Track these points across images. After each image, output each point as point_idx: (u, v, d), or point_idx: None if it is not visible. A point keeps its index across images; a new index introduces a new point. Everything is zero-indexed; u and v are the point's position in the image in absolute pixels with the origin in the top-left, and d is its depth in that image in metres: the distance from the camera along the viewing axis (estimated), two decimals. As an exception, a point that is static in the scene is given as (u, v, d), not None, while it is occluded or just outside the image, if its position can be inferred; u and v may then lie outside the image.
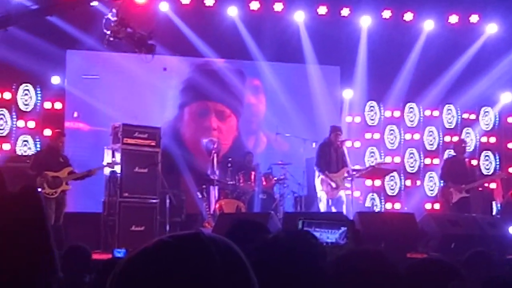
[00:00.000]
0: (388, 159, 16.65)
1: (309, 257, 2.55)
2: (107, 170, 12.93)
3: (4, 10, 10.72)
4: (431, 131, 17.53)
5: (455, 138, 16.50)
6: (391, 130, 17.33)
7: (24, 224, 1.72)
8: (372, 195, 16.35)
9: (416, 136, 17.38)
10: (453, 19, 16.82)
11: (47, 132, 14.38)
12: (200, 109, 16.40)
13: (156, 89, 15.77)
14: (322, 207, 13.53)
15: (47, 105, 15.04)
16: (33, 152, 14.06)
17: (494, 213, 15.75)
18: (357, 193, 15.11)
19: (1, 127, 14.75)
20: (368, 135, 17.12)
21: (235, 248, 1.51)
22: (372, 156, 16.98)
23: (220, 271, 1.43)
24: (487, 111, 17.73)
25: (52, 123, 14.61)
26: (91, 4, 12.66)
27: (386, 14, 16.57)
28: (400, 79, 16.69)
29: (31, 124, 14.84)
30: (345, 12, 16.42)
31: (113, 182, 12.84)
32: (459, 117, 17.62)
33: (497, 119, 17.76)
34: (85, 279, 6.07)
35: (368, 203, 16.31)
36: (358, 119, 17.11)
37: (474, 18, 16.91)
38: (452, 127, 17.61)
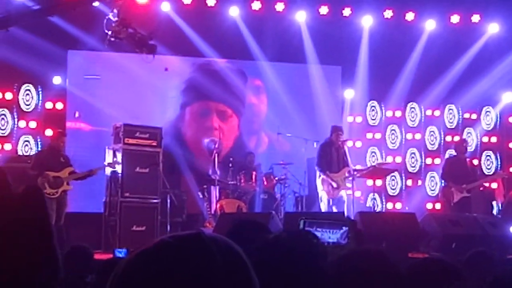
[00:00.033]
0: (389, 159, 16.64)
1: (310, 257, 2.55)
2: (108, 170, 12.94)
3: (5, 11, 10.72)
4: (432, 131, 17.53)
5: (456, 138, 16.49)
6: (392, 130, 17.33)
7: (27, 224, 1.73)
8: (373, 195, 16.33)
9: (417, 136, 17.37)
10: (455, 19, 16.82)
11: (49, 132, 14.39)
12: (201, 109, 16.40)
13: (158, 89, 15.77)
14: (323, 207, 13.52)
15: (49, 105, 15.05)
16: (34, 152, 14.07)
17: (494, 212, 15.76)
18: (358, 193, 15.10)
19: (3, 127, 14.76)
20: (369, 135, 17.12)
21: (236, 248, 1.51)
22: (373, 156, 16.97)
23: (221, 271, 1.43)
24: (488, 111, 17.72)
25: (53, 123, 14.62)
26: (93, 4, 12.68)
27: (388, 14, 16.56)
28: (402, 79, 16.69)
29: (33, 124, 14.85)
30: (346, 12, 16.41)
31: (114, 182, 12.84)
32: (460, 117, 17.61)
33: (499, 119, 17.75)
34: (87, 279, 6.07)
35: (369, 203, 16.30)
36: (359, 119, 17.11)
37: (475, 18, 16.90)
38: (453, 127, 17.60)
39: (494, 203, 16.09)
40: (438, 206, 16.19)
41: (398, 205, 16.90)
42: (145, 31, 11.12)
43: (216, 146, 15.08)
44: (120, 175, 12.70)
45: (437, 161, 17.16)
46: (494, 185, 16.48)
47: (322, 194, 13.58)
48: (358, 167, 14.32)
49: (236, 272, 1.47)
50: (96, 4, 12.82)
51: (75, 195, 12.97)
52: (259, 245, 2.59)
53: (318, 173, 13.71)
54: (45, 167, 11.94)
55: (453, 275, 3.42)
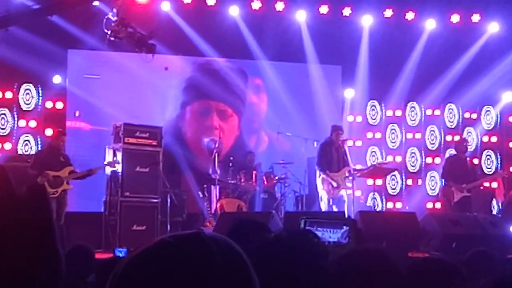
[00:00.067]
0: (389, 158, 16.63)
1: (310, 256, 2.55)
2: (108, 170, 12.94)
3: (4, 10, 10.72)
4: (433, 130, 17.53)
5: (457, 137, 16.48)
6: (393, 129, 17.33)
7: (30, 224, 1.72)
8: (374, 195, 16.35)
9: (418, 136, 17.38)
10: (455, 18, 16.81)
11: (49, 131, 14.39)
12: (201, 108, 16.40)
13: (158, 89, 15.77)
14: (323, 207, 13.52)
15: (49, 104, 15.05)
16: (34, 152, 14.07)
17: (493, 212, 15.77)
18: (358, 193, 15.09)
19: (3, 127, 14.77)
20: (369, 135, 17.12)
21: (236, 247, 1.50)
22: (373, 156, 16.98)
23: (221, 271, 1.42)
24: (488, 110, 17.72)
25: (53, 122, 14.63)
26: (93, 3, 12.68)
27: (388, 13, 16.56)
28: (402, 78, 16.69)
29: (33, 124, 14.85)
30: (346, 11, 16.41)
31: (114, 182, 12.84)
32: (461, 116, 17.62)
33: (499, 118, 17.76)
34: (88, 278, 6.07)
35: (369, 203, 16.31)
36: (359, 119, 17.11)
37: (475, 18, 16.90)
38: (453, 126, 17.60)
39: (491, 202, 16.13)
40: (438, 205, 16.19)
41: (398, 205, 16.90)
42: (145, 30, 11.11)
43: (216, 145, 15.07)
44: (120, 174, 12.70)
45: (437, 160, 17.17)
46: (494, 185, 16.49)
47: (322, 193, 13.58)
48: (358, 166, 14.32)
49: (236, 272, 1.46)
50: (96, 3, 12.83)
51: (76, 194, 12.98)
52: (259, 245, 2.58)
53: (318, 172, 13.70)
54: (45, 166, 11.94)
55: (453, 275, 3.42)
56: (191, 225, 13.67)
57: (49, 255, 1.72)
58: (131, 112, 14.39)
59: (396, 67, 16.54)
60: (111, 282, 1.47)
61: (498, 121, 17.76)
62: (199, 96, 16.23)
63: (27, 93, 14.92)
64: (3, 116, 14.78)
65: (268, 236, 2.69)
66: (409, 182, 17.24)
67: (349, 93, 17.02)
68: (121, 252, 10.14)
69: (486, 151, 17.69)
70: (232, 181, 14.47)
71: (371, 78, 16.62)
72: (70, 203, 12.51)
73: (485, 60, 16.74)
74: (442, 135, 17.52)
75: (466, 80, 16.68)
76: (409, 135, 17.33)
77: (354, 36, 16.58)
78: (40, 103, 14.99)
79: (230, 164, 14.76)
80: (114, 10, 10.74)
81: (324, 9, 16.24)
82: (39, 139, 14.75)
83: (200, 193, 14.76)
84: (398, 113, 17.27)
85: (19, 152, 14.51)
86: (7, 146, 14.63)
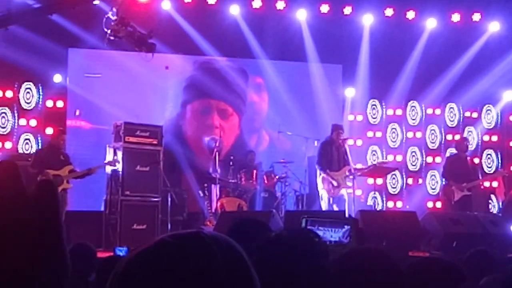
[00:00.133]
0: (390, 158, 16.62)
1: (311, 255, 2.55)
2: (108, 169, 12.93)
3: (5, 9, 10.72)
4: (433, 130, 17.53)
5: (457, 137, 16.48)
6: (393, 128, 17.33)
7: (37, 224, 1.72)
8: (374, 194, 16.35)
9: (418, 135, 17.38)
10: (456, 17, 16.81)
11: (49, 130, 14.39)
12: (202, 107, 16.40)
13: (158, 87, 15.77)
14: (324, 206, 13.52)
15: (49, 103, 15.06)
16: (34, 151, 14.07)
17: (491, 210, 15.78)
18: (358, 192, 15.08)
19: (3, 126, 14.77)
20: (370, 134, 17.12)
21: (236, 246, 1.50)
22: (374, 155, 16.98)
23: (222, 270, 1.42)
24: (489, 110, 17.72)
25: (54, 121, 14.63)
26: (94, 2, 12.68)
27: (389, 12, 16.56)
28: (402, 77, 16.69)
29: (33, 123, 14.86)
30: (347, 10, 16.41)
31: (114, 181, 12.84)
32: (461, 115, 17.62)
33: (499, 117, 17.76)
34: (90, 278, 6.06)
35: (370, 202, 16.31)
36: (360, 118, 17.11)
37: (476, 17, 16.90)
38: (454, 125, 17.60)
39: (489, 201, 16.13)
40: (438, 204, 16.19)
41: (399, 204, 16.90)
42: (145, 29, 11.11)
43: (217, 144, 15.06)
44: (120, 173, 12.69)
45: (438, 159, 17.17)
46: (494, 184, 16.48)
47: (323, 192, 13.57)
48: (359, 165, 14.30)
49: (237, 271, 1.46)
50: (96, 2, 12.83)
51: (76, 193, 12.97)
52: (259, 244, 2.58)
53: (318, 171, 13.70)
54: (45, 165, 11.94)
55: (453, 274, 3.42)
56: (191, 224, 13.67)
57: (51, 255, 1.72)
58: (131, 111, 14.38)
59: (396, 66, 16.54)
60: (112, 281, 1.47)
61: (499, 120, 17.76)
62: (199, 95, 16.23)
63: (28, 92, 14.93)
64: (3, 115, 14.79)
65: (269, 235, 2.69)
66: (410, 181, 17.24)
67: (349, 92, 17.01)
68: (121, 251, 10.13)
69: (487, 150, 17.69)
70: (233, 180, 14.47)
71: (372, 77, 16.62)
72: (71, 202, 12.51)
73: (485, 59, 16.74)
74: (443, 134, 17.52)
75: (467, 79, 16.68)
76: (410, 134, 17.33)
77: (355, 35, 16.58)
78: (40, 102, 15.00)
79: (231, 163, 14.77)
80: (114, 9, 10.73)
81: (324, 8, 16.24)
82: (39, 138, 14.76)
83: (200, 192, 14.76)
84: (399, 112, 17.27)
85: (20, 151, 14.52)
86: (8, 145, 14.64)
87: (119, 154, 12.79)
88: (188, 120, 16.31)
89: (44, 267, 1.71)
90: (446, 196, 14.20)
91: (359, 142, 16.84)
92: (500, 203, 16.08)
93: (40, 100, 14.99)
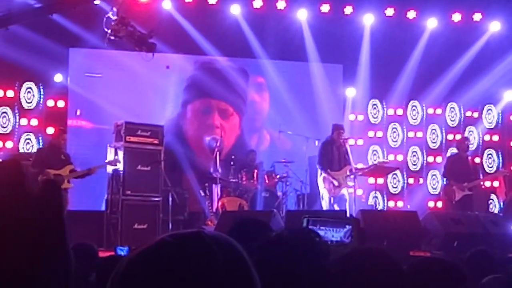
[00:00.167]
0: (390, 157, 16.62)
1: (312, 255, 2.55)
2: (109, 168, 12.94)
3: (6, 9, 10.73)
4: (434, 129, 17.53)
5: (458, 136, 16.48)
6: (394, 128, 17.33)
7: (39, 223, 1.72)
8: (375, 193, 16.35)
9: (419, 134, 17.38)
10: (456, 17, 16.81)
11: (50, 130, 14.40)
12: (203, 106, 16.40)
13: (159, 87, 15.77)
14: (325, 205, 13.51)
15: (50, 103, 15.07)
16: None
17: (490, 210, 15.78)
18: (359, 191, 15.08)
19: (4, 125, 14.78)
20: (371, 133, 17.12)
21: (237, 246, 1.50)
22: (374, 154, 16.97)
23: (222, 270, 1.42)
24: (490, 109, 17.72)
25: (55, 121, 14.63)
26: (94, 2, 12.68)
27: (389, 12, 16.55)
28: (403, 77, 16.69)
29: (34, 122, 14.86)
30: (348, 10, 16.41)
31: (115, 180, 12.85)
32: (462, 115, 17.62)
33: (500, 117, 17.76)
34: (90, 278, 6.04)
35: (370, 201, 16.31)
36: (361, 117, 17.10)
37: (477, 16, 16.89)
38: (455, 125, 17.60)
39: (493, 201, 16.12)
40: (439, 204, 16.18)
41: (400, 204, 16.90)
42: (146, 29, 11.11)
43: (218, 144, 15.07)
44: (121, 173, 12.70)
45: (439, 159, 17.17)
46: (495, 183, 16.48)
47: (324, 192, 13.57)
48: (360, 165, 14.29)
49: (237, 271, 1.46)
50: (97, 2, 12.83)
51: (77, 193, 12.96)
52: (260, 243, 2.58)
53: (319, 171, 13.70)
54: (45, 164, 11.94)
55: (454, 274, 3.42)
56: (192, 224, 13.67)
57: (52, 255, 1.71)
58: (132, 110, 14.38)
59: (397, 66, 16.53)
60: (113, 281, 1.47)
61: (500, 119, 17.76)
62: (200, 94, 16.23)
63: (29, 92, 14.94)
64: (4, 114, 14.80)
65: (270, 235, 2.69)
66: (411, 181, 17.24)
67: (350, 92, 17.01)
68: (122, 251, 10.12)
69: (488, 150, 17.69)
70: (234, 180, 14.47)
71: (373, 77, 16.62)
72: (72, 201, 12.50)
73: (486, 59, 16.74)
74: (444, 134, 17.52)
75: (468, 79, 16.68)
76: (411, 134, 17.33)
77: (356, 35, 16.58)
78: (41, 102, 15.01)
79: (232, 163, 14.76)
80: (114, 9, 10.74)
81: (325, 8, 16.24)
82: (40, 138, 14.77)
83: (201, 191, 14.76)
84: (400, 112, 17.27)
85: (21, 150, 14.53)
86: (9, 144, 14.65)
87: (120, 153, 12.80)
88: (188, 120, 16.31)
89: (45, 267, 1.71)
90: (447, 195, 14.20)
91: (360, 142, 16.84)
92: (501, 203, 16.08)
93: (41, 99, 15.00)
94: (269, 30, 15.77)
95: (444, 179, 14.81)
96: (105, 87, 15.18)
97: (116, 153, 12.88)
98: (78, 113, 15.19)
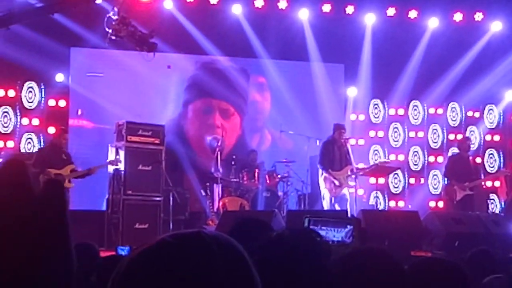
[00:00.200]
0: (392, 157, 16.60)
1: (313, 255, 2.54)
2: (111, 168, 12.94)
3: (7, 9, 10.72)
4: (435, 129, 17.53)
5: (459, 136, 16.49)
6: (395, 128, 17.32)
7: (41, 222, 1.72)
8: (376, 193, 16.32)
9: (420, 134, 17.37)
10: (458, 17, 16.81)
11: (51, 129, 14.40)
12: (204, 106, 16.40)
13: (160, 87, 15.77)
14: (326, 205, 13.51)
15: (51, 102, 15.07)
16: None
17: (489, 210, 15.78)
18: (360, 191, 15.08)
19: (5, 125, 14.78)
20: (372, 133, 17.11)
21: (237, 246, 1.50)
22: (376, 154, 16.97)
23: (222, 270, 1.42)
24: (491, 109, 17.71)
25: (56, 120, 14.63)
26: (96, 1, 12.68)
27: (391, 11, 16.56)
28: (404, 77, 16.68)
29: (35, 122, 14.87)
30: (349, 9, 16.41)
31: (116, 180, 12.85)
32: (463, 115, 17.61)
33: (501, 117, 17.75)
34: (91, 278, 6.03)
35: (372, 201, 16.30)
36: (362, 117, 17.10)
37: (478, 16, 16.88)
38: (456, 125, 17.59)
39: (494, 201, 16.12)
40: (441, 204, 16.18)
41: (401, 203, 16.89)
42: (147, 29, 11.11)
43: (219, 144, 15.06)
44: (122, 172, 12.70)
45: (440, 159, 17.16)
46: (497, 183, 16.47)
47: (325, 192, 13.57)
48: (361, 165, 14.29)
49: (237, 271, 1.46)
50: (98, 1, 12.82)
51: (78, 192, 12.97)
52: (261, 243, 2.58)
53: (320, 171, 13.69)
54: (46, 164, 11.94)
55: (455, 274, 3.41)
56: (193, 224, 13.66)
57: (53, 255, 1.71)
58: (133, 110, 14.39)
59: (399, 65, 16.53)
60: (113, 281, 1.47)
61: (501, 119, 17.75)
62: (201, 94, 16.24)
63: (30, 91, 14.94)
64: (6, 114, 14.80)
65: (271, 234, 2.69)
66: (412, 181, 17.24)
67: (352, 92, 17.01)
68: (123, 250, 10.11)
69: (489, 149, 17.68)
70: (235, 180, 14.47)
71: (374, 76, 16.62)
72: (73, 201, 12.50)
73: (488, 59, 16.73)
74: (445, 133, 17.51)
75: (469, 78, 16.68)
76: (412, 134, 17.33)
77: (357, 34, 16.58)
78: (42, 101, 15.00)
79: (233, 163, 14.76)
80: (115, 9, 10.74)
81: (327, 8, 16.24)
82: (41, 137, 14.76)
83: (202, 191, 14.76)
84: (401, 111, 17.26)
85: (22, 150, 14.53)
86: (10, 144, 14.65)
87: (121, 153, 12.80)
88: (189, 120, 16.31)
89: (45, 267, 1.71)
90: (448, 195, 14.20)
91: (361, 142, 16.84)
92: (502, 203, 16.07)
93: (42, 99, 15.00)
94: (271, 29, 15.77)
95: (445, 179, 14.81)
96: (106, 86, 15.19)
97: (117, 153, 12.88)
98: (79, 112, 15.19)
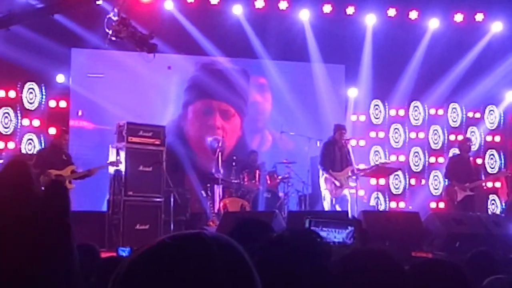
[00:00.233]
0: (392, 158, 16.58)
1: (313, 256, 2.54)
2: (111, 169, 12.93)
3: (8, 9, 10.73)
4: (436, 130, 17.52)
5: (460, 137, 16.47)
6: (396, 128, 17.32)
7: (42, 222, 1.72)
8: (377, 194, 16.30)
9: (421, 135, 17.37)
10: (458, 17, 16.81)
11: (52, 130, 14.40)
12: (204, 107, 16.40)
13: (161, 88, 15.77)
14: (326, 206, 13.50)
15: (52, 103, 15.07)
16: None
17: (491, 211, 15.77)
18: (361, 192, 15.08)
19: (6, 126, 14.78)
20: (372, 134, 17.11)
21: (237, 247, 1.50)
22: (376, 155, 16.96)
23: (222, 271, 1.42)
24: (492, 110, 17.71)
25: (56, 121, 14.63)
26: (97, 2, 12.68)
27: (391, 12, 16.56)
28: (405, 77, 16.68)
29: (36, 123, 14.86)
30: (350, 10, 16.41)
31: (117, 181, 12.84)
32: (464, 115, 17.60)
33: (502, 117, 17.74)
34: (92, 279, 6.03)
35: (372, 202, 16.29)
36: (362, 118, 17.10)
37: (479, 17, 16.89)
38: (457, 125, 17.59)
39: (494, 201, 16.12)
40: (441, 205, 16.18)
41: (402, 204, 16.89)
42: (148, 29, 11.11)
43: (220, 144, 15.07)
44: (123, 173, 12.70)
45: (441, 160, 17.15)
46: (497, 184, 16.46)
47: (325, 193, 13.56)
48: (362, 166, 14.30)
49: (238, 272, 1.46)
50: (99, 2, 12.82)
51: (79, 193, 12.96)
52: (262, 244, 2.58)
53: (321, 172, 13.69)
54: (47, 165, 11.94)
55: (455, 275, 3.41)
56: (194, 225, 13.67)
57: (53, 255, 1.71)
58: (134, 111, 14.39)
59: (399, 66, 16.53)
60: (114, 282, 1.47)
61: (502, 120, 17.75)
62: (201, 95, 16.23)
63: (31, 92, 14.94)
64: (6, 115, 14.80)
65: (271, 235, 2.69)
66: (413, 181, 17.23)
67: (352, 92, 17.01)
68: (124, 251, 10.10)
69: (490, 150, 17.68)
70: (235, 181, 14.47)
71: (375, 77, 16.62)
72: (73, 202, 12.40)
73: (488, 59, 16.73)
74: (446, 134, 17.50)
75: (470, 79, 16.67)
76: (413, 135, 17.32)
77: (358, 35, 16.58)
78: (43, 102, 15.00)
79: (233, 164, 14.76)
80: (116, 10, 10.74)
81: (327, 8, 16.24)
82: (42, 138, 14.76)
83: (203, 192, 14.76)
84: (402, 112, 17.26)
85: (23, 151, 14.53)
86: (11, 145, 14.64)
87: (122, 154, 12.79)
88: (190, 121, 16.31)
89: (45, 267, 1.71)
90: (449, 196, 14.19)
91: (362, 143, 16.83)
92: (503, 204, 16.06)
93: (43, 100, 15.00)
94: (271, 30, 15.76)
95: (446, 180, 14.80)
96: (107, 87, 15.19)
97: (118, 154, 12.88)
98: (80, 113, 15.19)
